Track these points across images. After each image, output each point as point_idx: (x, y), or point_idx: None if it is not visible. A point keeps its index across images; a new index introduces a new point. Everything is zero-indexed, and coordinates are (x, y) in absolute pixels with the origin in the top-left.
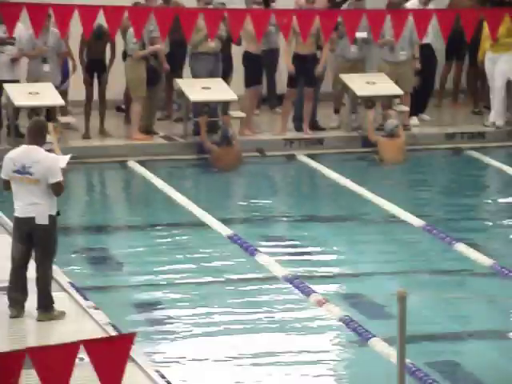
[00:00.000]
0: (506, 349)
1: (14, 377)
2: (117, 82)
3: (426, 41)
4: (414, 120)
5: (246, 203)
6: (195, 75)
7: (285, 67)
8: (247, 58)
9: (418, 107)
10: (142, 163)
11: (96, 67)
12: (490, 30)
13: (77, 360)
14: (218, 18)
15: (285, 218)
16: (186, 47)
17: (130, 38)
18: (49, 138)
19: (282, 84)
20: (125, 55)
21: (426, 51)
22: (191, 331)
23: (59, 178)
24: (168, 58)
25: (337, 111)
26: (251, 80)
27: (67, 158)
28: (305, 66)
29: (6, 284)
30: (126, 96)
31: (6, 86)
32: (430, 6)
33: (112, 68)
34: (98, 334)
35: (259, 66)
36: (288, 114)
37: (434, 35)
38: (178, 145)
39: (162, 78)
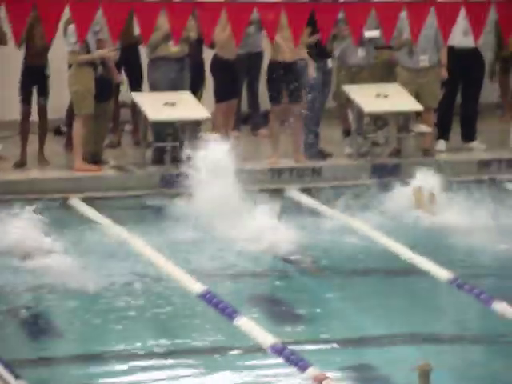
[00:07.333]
0: None
1: None
2: (54, 96)
3: (468, 43)
4: (441, 144)
5: (222, 250)
6: (153, 87)
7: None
8: (217, 64)
9: (466, 133)
10: (87, 201)
11: (36, 76)
12: None
13: None
14: (184, 13)
15: (272, 271)
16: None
17: (70, 37)
18: None
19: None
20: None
21: (471, 57)
22: None
23: None
24: (119, 66)
25: (347, 133)
26: (223, 93)
27: None
28: (288, 76)
29: None
30: (68, 114)
31: None
32: None
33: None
34: None
35: (232, 75)
36: (277, 137)
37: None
38: (134, 177)
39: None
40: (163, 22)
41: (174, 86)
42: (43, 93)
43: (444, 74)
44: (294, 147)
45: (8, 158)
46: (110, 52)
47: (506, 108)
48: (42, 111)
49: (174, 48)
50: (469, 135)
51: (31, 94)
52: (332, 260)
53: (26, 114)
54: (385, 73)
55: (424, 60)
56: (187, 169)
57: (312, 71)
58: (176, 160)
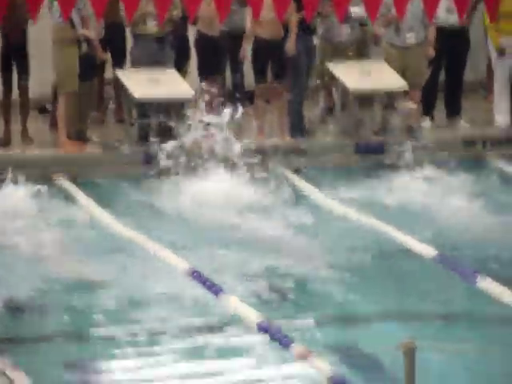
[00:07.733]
0: None
1: None
2: (39, 74)
3: (452, 20)
4: (426, 122)
5: (209, 230)
6: (133, 63)
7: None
8: (200, 41)
9: (450, 109)
10: (72, 179)
11: (15, 54)
12: None
13: None
14: None
15: (258, 250)
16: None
17: (54, 13)
18: None
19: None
20: None
21: (455, 34)
22: None
23: None
24: (104, 44)
25: (330, 111)
26: (206, 69)
27: None
28: (271, 54)
29: None
30: (53, 92)
31: None
32: None
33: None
34: None
35: (216, 51)
36: (261, 116)
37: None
38: (119, 154)
39: (99, 70)
40: (145, 3)
41: (155, 64)
42: (23, 71)
43: (431, 52)
44: (279, 126)
45: None
46: (93, 32)
47: (490, 88)
48: (23, 90)
49: (151, 27)
50: (454, 110)
51: (11, 73)
52: (317, 240)
53: (6, 92)
54: (367, 50)
55: (410, 37)
56: (172, 147)
57: (291, 47)
58: (161, 137)
